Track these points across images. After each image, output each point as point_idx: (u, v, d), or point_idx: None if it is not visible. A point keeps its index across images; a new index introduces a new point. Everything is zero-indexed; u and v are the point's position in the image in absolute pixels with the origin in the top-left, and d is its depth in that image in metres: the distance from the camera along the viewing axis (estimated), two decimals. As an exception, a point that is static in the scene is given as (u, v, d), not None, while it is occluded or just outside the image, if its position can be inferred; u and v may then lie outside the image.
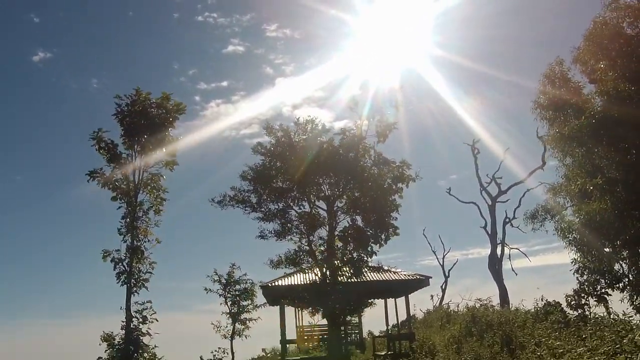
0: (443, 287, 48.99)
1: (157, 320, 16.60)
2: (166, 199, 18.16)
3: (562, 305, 21.89)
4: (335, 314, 18.26)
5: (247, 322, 24.53)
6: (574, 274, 19.52)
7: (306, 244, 18.46)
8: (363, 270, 18.44)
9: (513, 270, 42.27)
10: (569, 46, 19.87)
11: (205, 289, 24.42)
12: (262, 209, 18.68)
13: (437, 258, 47.68)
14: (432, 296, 44.96)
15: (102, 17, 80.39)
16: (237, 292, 24.51)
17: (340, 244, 18.47)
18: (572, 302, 19.57)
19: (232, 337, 24.10)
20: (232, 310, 24.39)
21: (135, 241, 17.12)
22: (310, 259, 18.46)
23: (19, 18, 74.64)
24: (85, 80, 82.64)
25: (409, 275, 20.78)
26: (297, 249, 18.43)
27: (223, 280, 24.70)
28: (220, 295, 24.50)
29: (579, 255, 20.45)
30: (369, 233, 18.02)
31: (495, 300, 34.83)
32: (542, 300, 23.01)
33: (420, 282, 21.22)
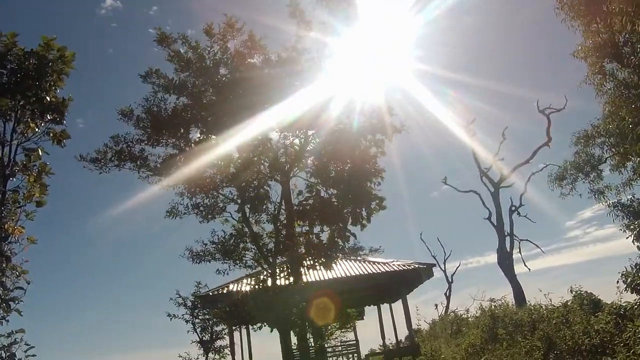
0: (447, 294, 43.20)
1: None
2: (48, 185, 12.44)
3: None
4: (302, 331, 12.51)
5: (223, 350, 19.91)
6: (633, 241, 13.95)
7: (245, 223, 12.77)
8: (337, 259, 12.71)
9: (525, 264, 36.71)
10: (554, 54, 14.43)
11: (169, 315, 19.43)
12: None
13: (437, 262, 41.83)
14: (436, 305, 39.04)
15: None
16: (206, 316, 19.81)
17: (303, 226, 12.80)
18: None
19: (206, 371, 19.33)
20: (204, 338, 19.68)
21: (-6, 243, 11.39)
22: (253, 247, 12.74)
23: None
24: None
25: (404, 265, 14.79)
26: (234, 232, 12.77)
27: (189, 304, 19.81)
28: (187, 321, 19.79)
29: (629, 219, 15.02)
30: (336, 204, 12.39)
31: (510, 300, 28.72)
32: (571, 292, 17.58)
33: (419, 274, 15.09)
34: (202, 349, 19.86)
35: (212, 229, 13.32)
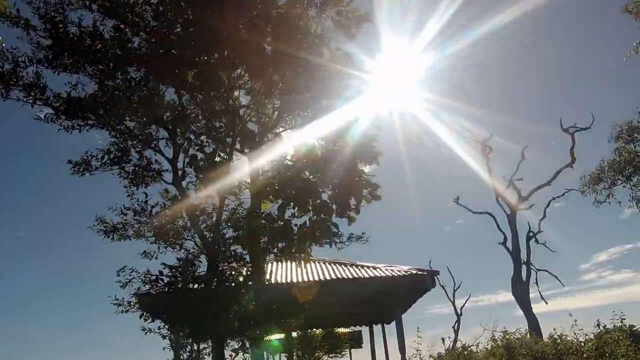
0: (455, 327, 39.40)
1: None
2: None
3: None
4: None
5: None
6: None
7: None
8: (309, 253, 9.80)
9: (542, 297, 33.21)
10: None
11: (145, 330, 15.47)
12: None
13: (447, 293, 38.30)
14: (443, 339, 35.27)
15: None
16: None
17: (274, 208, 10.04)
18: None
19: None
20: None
21: None
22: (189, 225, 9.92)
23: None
24: None
25: (398, 271, 11.44)
26: (168, 202, 10.00)
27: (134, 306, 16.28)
28: (164, 337, 15.79)
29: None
30: (315, 184, 9.63)
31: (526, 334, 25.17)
32: (597, 327, 14.48)
33: (418, 283, 11.41)
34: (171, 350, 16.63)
35: (138, 198, 10.52)
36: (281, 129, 10.82)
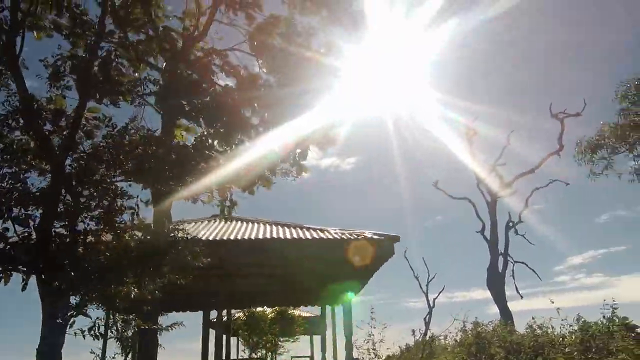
0: (427, 319, 37.24)
1: None
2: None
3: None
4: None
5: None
6: None
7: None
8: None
9: (518, 291, 31.36)
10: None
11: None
12: None
13: (420, 284, 36.17)
14: (413, 331, 33.08)
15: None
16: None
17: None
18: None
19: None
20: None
21: None
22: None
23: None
24: None
25: (349, 235, 8.65)
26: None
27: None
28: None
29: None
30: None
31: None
32: (577, 321, 12.53)
33: (374, 249, 8.41)
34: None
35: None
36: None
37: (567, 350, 10.39)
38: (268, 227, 9.53)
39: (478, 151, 33.24)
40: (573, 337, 11.06)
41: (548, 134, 31.24)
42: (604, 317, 11.31)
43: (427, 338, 27.17)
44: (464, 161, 33.61)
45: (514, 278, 31.50)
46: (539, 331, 11.93)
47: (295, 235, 8.65)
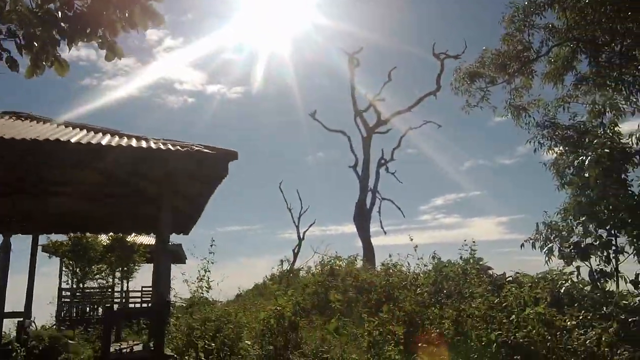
0: (296, 250, 36.88)
1: None
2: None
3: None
4: None
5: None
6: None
7: None
8: None
9: (382, 228, 31.95)
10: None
11: None
12: None
13: (292, 216, 35.29)
14: (281, 261, 32.31)
15: None
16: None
17: None
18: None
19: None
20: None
21: None
22: None
23: None
24: None
25: (173, 146, 6.57)
26: None
27: None
28: None
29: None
30: None
31: (359, 261, 22.91)
32: (433, 259, 12.06)
33: (204, 166, 6.49)
34: None
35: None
36: None
37: (418, 291, 9.59)
38: (85, 132, 6.85)
39: (360, 85, 32.26)
40: (425, 278, 10.38)
41: (432, 73, 30.94)
42: (461, 257, 10.83)
43: (288, 270, 26.70)
44: (344, 94, 32.55)
45: (380, 214, 32.09)
46: (392, 270, 11.17)
47: (102, 142, 6.19)
